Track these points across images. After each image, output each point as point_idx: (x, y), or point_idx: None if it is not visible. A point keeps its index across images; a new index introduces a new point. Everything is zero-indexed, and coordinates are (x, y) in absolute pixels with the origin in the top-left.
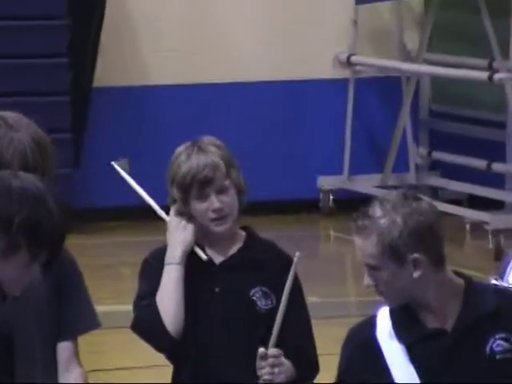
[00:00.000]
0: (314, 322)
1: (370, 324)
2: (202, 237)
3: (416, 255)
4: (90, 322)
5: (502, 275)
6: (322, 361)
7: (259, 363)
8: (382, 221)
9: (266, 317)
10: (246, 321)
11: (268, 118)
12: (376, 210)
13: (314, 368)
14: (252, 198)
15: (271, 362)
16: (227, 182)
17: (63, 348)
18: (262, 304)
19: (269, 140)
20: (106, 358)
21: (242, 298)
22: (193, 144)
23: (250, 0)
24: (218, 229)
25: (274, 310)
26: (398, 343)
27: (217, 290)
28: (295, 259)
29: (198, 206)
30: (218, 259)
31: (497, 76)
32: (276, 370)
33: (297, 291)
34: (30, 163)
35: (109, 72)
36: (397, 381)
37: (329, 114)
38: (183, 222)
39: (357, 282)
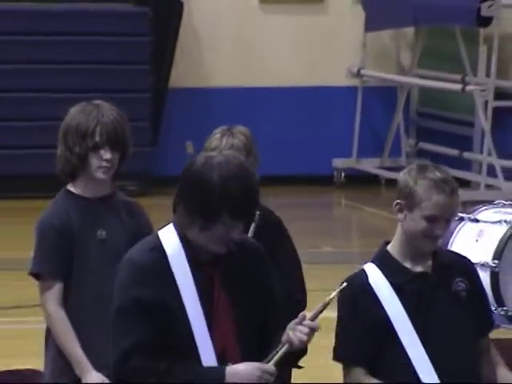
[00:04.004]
0: (326, 266)
1: (362, 274)
2: None
3: None
4: None
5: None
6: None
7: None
8: None
9: None
10: None
11: (297, 115)
12: None
13: (302, 307)
14: (284, 174)
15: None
16: None
17: None
18: None
19: (297, 131)
20: None
21: None
22: (228, 128)
23: (286, 27)
24: None
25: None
26: (389, 285)
27: None
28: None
29: None
30: None
31: (468, 88)
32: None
33: (287, 242)
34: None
35: (181, 76)
36: (389, 314)
37: (342, 112)
38: None
39: (360, 237)
